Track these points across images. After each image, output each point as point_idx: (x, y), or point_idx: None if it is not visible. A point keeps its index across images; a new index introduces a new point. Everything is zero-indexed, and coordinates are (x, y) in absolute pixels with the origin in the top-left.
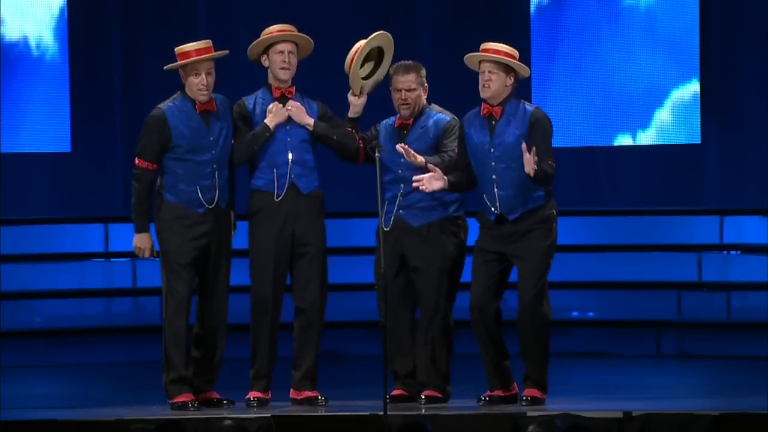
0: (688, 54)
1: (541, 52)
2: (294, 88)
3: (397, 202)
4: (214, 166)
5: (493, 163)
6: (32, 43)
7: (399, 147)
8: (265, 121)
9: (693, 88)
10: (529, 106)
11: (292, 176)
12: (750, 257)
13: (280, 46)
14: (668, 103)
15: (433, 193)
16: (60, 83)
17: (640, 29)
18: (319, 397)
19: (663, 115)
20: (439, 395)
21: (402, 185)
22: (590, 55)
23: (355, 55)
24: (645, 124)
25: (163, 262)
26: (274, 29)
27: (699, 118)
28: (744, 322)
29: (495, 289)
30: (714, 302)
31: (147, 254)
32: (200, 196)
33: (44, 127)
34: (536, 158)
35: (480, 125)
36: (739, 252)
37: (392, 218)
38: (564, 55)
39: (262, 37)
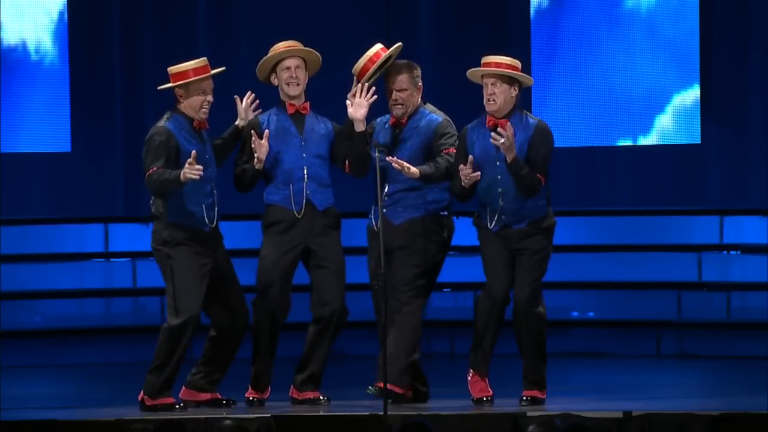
0: (689, 58)
1: (541, 56)
2: (308, 104)
3: (383, 201)
4: (213, 183)
5: (499, 176)
6: (32, 46)
7: (392, 161)
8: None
9: (694, 94)
10: (532, 119)
11: (308, 192)
12: (750, 257)
13: (287, 62)
14: (669, 109)
15: (417, 192)
16: (60, 83)
17: (640, 33)
18: (321, 398)
19: (664, 120)
20: (399, 391)
21: (387, 185)
22: (590, 59)
23: (373, 60)
24: (646, 130)
25: (175, 280)
26: (279, 46)
27: (699, 122)
28: (744, 322)
29: (511, 279)
30: (714, 302)
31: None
32: (205, 214)
33: (44, 127)
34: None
35: (485, 137)
36: (739, 252)
37: (379, 217)
38: (564, 59)
39: (268, 56)
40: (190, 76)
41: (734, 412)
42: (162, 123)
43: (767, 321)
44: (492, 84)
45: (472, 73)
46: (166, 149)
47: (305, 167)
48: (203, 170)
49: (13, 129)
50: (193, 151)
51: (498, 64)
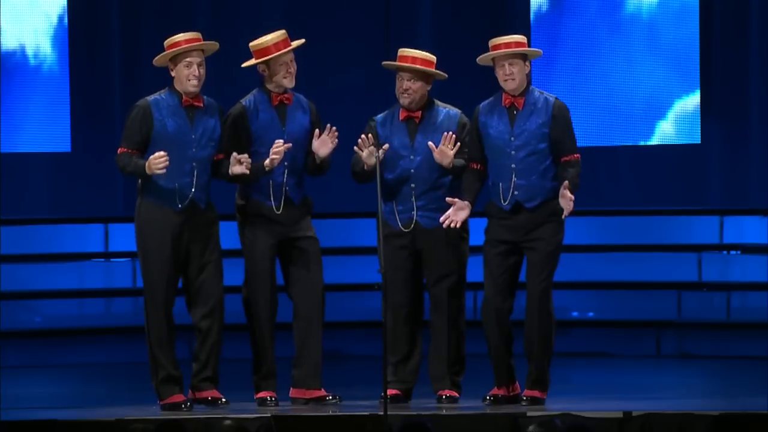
0: (689, 63)
1: (540, 59)
2: (291, 94)
3: (414, 203)
4: (194, 164)
5: (513, 152)
6: (31, 47)
7: (441, 143)
8: (266, 163)
9: (695, 99)
10: (549, 97)
11: (287, 188)
12: (750, 257)
13: (282, 57)
14: (671, 114)
15: (443, 192)
16: (60, 84)
17: (641, 38)
18: (329, 397)
19: (665, 126)
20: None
21: (413, 184)
22: (590, 65)
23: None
24: (647, 136)
25: (142, 263)
26: (269, 43)
27: (700, 127)
28: (744, 322)
29: (508, 286)
30: (714, 302)
31: (161, 159)
32: (177, 193)
33: (44, 127)
34: (571, 195)
35: (499, 115)
36: (739, 252)
37: (411, 220)
38: (564, 63)
39: (260, 49)
40: (181, 45)
41: (734, 412)
42: (150, 96)
43: (767, 321)
44: (509, 64)
45: (483, 59)
46: (139, 125)
47: (286, 162)
48: (183, 149)
49: (14, 129)
50: (161, 153)
51: (508, 45)
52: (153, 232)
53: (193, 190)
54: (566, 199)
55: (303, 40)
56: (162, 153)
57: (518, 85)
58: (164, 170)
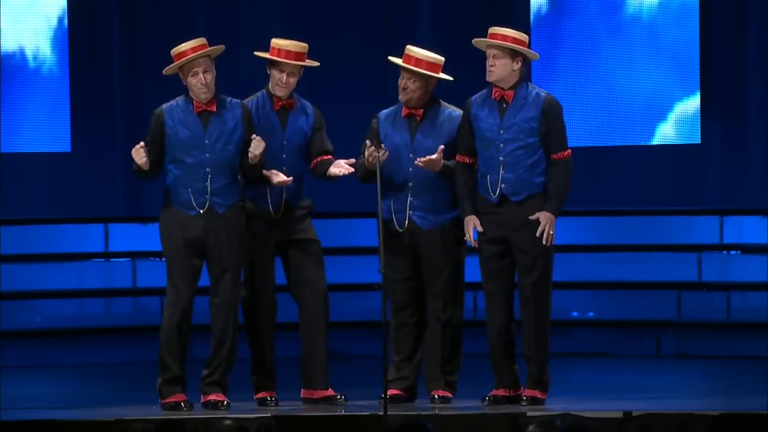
0: (690, 65)
1: (540, 61)
2: (294, 100)
3: (408, 203)
4: (208, 169)
5: (501, 145)
6: (31, 48)
7: (418, 162)
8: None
9: (695, 102)
10: (541, 92)
11: (285, 194)
12: (750, 257)
13: (281, 66)
14: (671, 117)
15: (442, 194)
16: (60, 84)
17: (641, 39)
18: (338, 396)
19: (666, 129)
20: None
21: (411, 183)
22: (590, 65)
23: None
24: (647, 138)
25: (166, 265)
26: (283, 47)
27: (700, 128)
28: (744, 322)
29: (508, 287)
30: (714, 302)
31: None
32: (191, 198)
33: (44, 128)
34: (549, 231)
35: (489, 108)
36: (739, 252)
37: (405, 220)
38: (564, 66)
39: (274, 48)
40: (187, 55)
41: (734, 412)
42: (167, 103)
43: (767, 321)
44: (494, 56)
45: (478, 42)
46: (153, 134)
47: (285, 167)
48: (196, 155)
49: (14, 129)
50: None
51: (504, 37)
52: (171, 238)
53: (208, 195)
54: (543, 233)
55: (318, 63)
56: (140, 144)
57: (497, 78)
58: (143, 160)
